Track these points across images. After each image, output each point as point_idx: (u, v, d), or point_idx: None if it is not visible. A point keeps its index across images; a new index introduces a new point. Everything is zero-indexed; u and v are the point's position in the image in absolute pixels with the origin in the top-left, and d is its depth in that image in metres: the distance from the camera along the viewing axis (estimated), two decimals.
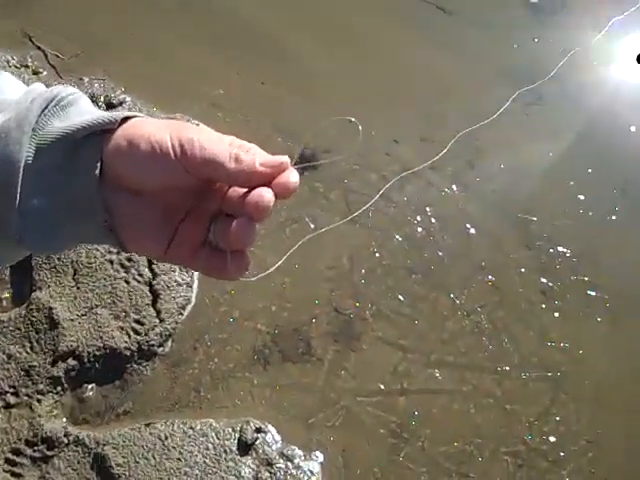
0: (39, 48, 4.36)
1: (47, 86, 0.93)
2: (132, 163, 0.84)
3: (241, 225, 0.82)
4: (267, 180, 0.84)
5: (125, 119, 0.87)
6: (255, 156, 0.84)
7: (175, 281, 3.30)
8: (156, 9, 4.69)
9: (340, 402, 3.06)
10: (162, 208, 0.89)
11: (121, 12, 4.67)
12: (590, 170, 3.94)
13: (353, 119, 1.05)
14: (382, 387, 3.10)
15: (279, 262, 0.98)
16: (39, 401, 2.94)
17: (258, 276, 0.95)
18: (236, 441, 2.89)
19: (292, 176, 0.84)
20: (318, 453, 2.92)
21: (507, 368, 3.18)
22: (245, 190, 0.84)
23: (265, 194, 0.81)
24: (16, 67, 4.19)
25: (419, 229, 3.62)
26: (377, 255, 3.51)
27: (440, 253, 3.54)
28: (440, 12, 4.84)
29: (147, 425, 2.92)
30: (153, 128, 0.85)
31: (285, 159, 0.85)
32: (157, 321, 3.18)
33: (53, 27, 4.48)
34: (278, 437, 2.94)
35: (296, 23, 4.68)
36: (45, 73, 4.20)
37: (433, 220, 3.66)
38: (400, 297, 3.38)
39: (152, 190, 0.87)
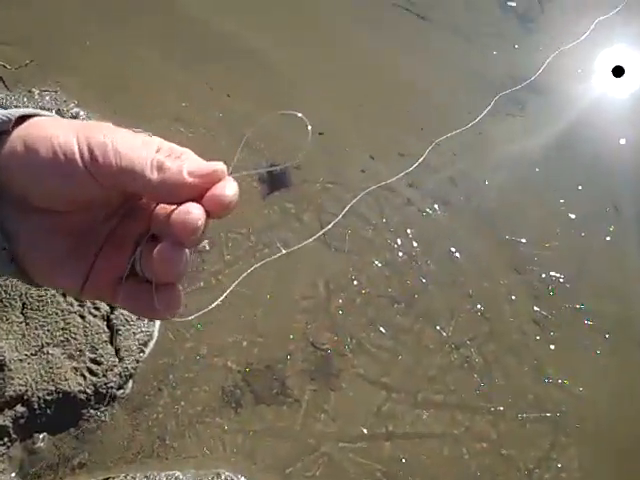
0: None
1: None
2: (30, 171, 0.68)
3: (165, 251, 0.66)
4: (199, 193, 0.68)
5: (24, 118, 0.71)
6: (183, 163, 0.68)
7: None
8: (116, 18, 4.38)
9: (320, 449, 2.80)
10: (76, 231, 0.74)
11: (78, 20, 4.36)
12: (580, 187, 3.75)
13: (300, 114, 0.89)
14: (365, 431, 2.85)
15: (220, 299, 0.89)
16: None
17: (195, 315, 0.81)
18: None
19: (228, 188, 0.69)
20: None
21: (501, 408, 2.95)
22: (174, 207, 0.68)
23: (193, 210, 0.66)
24: None
25: (400, 253, 3.39)
26: (355, 283, 3.26)
27: (424, 280, 3.30)
28: (417, 19, 4.62)
29: None
30: (57, 129, 0.69)
31: (220, 166, 0.69)
32: (116, 360, 2.91)
33: (1, 35, 4.16)
34: None
35: (266, 35, 4.41)
36: None
37: (415, 243, 3.42)
38: (382, 329, 3.13)
39: (60, 208, 0.71)
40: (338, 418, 2.88)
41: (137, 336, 2.98)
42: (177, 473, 2.68)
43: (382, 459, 2.79)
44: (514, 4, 4.79)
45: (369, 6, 4.73)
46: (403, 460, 2.79)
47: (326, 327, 3.12)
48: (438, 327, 3.16)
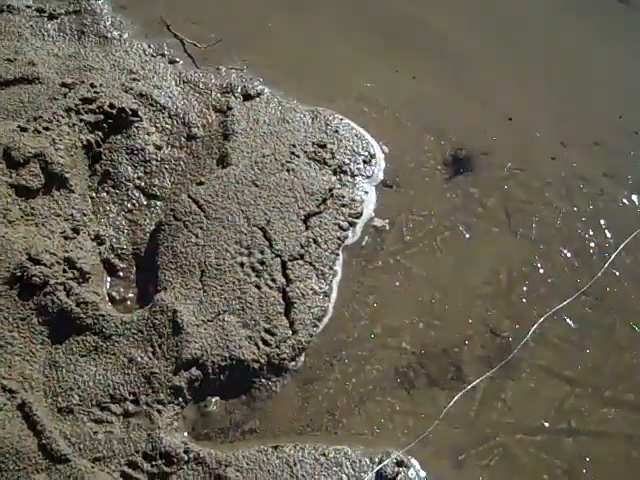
0: (176, 36, 4.16)
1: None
2: None
3: None
4: None
5: None
6: None
7: (311, 289, 2.99)
8: (295, 4, 4.44)
9: (496, 438, 2.64)
10: None
11: (266, 2, 4.46)
12: None
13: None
14: (546, 424, 2.67)
15: None
16: (159, 412, 2.65)
17: None
18: (374, 475, 2.51)
19: None
20: None
21: None
22: None
23: None
24: (152, 56, 3.98)
25: (591, 244, 3.19)
26: (541, 271, 3.10)
27: (617, 273, 3.09)
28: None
29: (275, 448, 2.58)
30: None
31: None
32: (290, 332, 2.88)
33: (192, 15, 4.30)
34: (423, 474, 2.55)
35: (463, 21, 4.32)
36: (181, 62, 3.98)
37: (608, 234, 3.22)
38: (568, 321, 2.94)
39: None
40: (516, 409, 2.71)
41: (312, 310, 2.94)
42: (346, 448, 2.60)
43: (563, 456, 2.60)
44: None
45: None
46: (587, 459, 2.59)
47: (507, 314, 2.97)
48: (631, 323, 2.94)
